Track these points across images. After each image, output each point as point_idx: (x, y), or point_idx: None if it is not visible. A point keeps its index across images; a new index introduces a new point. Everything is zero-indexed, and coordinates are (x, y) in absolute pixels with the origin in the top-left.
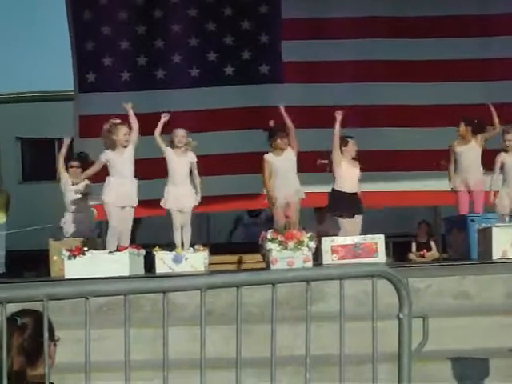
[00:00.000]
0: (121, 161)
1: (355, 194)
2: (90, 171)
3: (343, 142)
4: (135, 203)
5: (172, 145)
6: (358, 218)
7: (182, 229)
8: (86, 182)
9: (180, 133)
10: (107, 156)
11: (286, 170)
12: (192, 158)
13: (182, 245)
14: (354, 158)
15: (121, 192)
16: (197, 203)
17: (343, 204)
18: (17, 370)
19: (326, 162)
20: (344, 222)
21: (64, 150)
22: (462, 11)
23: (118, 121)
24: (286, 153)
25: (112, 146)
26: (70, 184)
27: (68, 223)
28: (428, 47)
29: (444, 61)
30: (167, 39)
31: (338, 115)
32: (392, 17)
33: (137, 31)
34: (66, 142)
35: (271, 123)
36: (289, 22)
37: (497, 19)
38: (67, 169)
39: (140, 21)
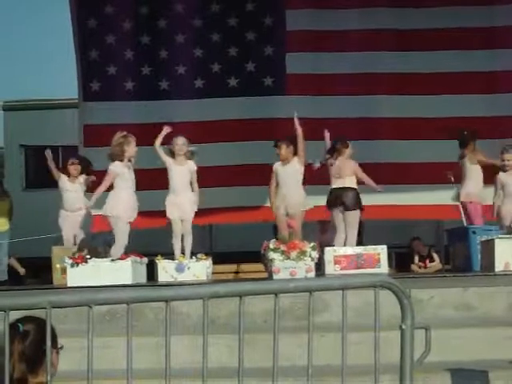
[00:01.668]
0: (129, 174)
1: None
2: (103, 186)
3: (344, 143)
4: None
5: (172, 153)
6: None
7: (182, 237)
8: (85, 177)
9: (180, 141)
10: (118, 168)
11: (290, 180)
12: (192, 166)
13: (183, 253)
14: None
15: (129, 206)
16: (195, 210)
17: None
18: (18, 377)
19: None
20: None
21: (51, 164)
22: (467, 23)
23: (125, 133)
24: (291, 162)
25: (118, 157)
26: (68, 182)
27: (64, 221)
28: (433, 60)
29: (449, 73)
30: (171, 49)
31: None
32: (396, 29)
33: (141, 41)
34: (48, 154)
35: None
36: (293, 34)
37: (503, 31)
38: (64, 169)
39: (144, 31)
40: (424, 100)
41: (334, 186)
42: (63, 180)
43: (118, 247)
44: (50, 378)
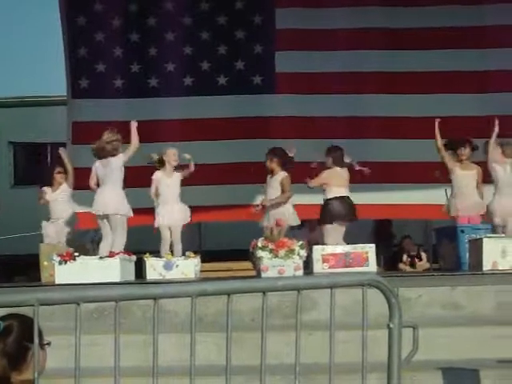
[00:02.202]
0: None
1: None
2: None
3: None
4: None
5: (161, 161)
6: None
7: (171, 243)
8: (69, 188)
9: (172, 152)
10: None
11: (274, 193)
12: (179, 176)
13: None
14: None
15: (125, 201)
16: (188, 220)
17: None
18: (0, 374)
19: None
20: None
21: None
22: (458, 23)
23: (116, 130)
24: (275, 176)
25: (111, 154)
26: (51, 193)
27: (49, 230)
28: (423, 59)
29: (440, 72)
30: (161, 47)
31: None
32: (387, 28)
33: (130, 38)
34: (63, 152)
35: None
36: (283, 33)
37: (494, 30)
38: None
39: (134, 28)
40: (414, 99)
41: (332, 196)
42: (48, 193)
43: (121, 242)
44: (37, 375)
